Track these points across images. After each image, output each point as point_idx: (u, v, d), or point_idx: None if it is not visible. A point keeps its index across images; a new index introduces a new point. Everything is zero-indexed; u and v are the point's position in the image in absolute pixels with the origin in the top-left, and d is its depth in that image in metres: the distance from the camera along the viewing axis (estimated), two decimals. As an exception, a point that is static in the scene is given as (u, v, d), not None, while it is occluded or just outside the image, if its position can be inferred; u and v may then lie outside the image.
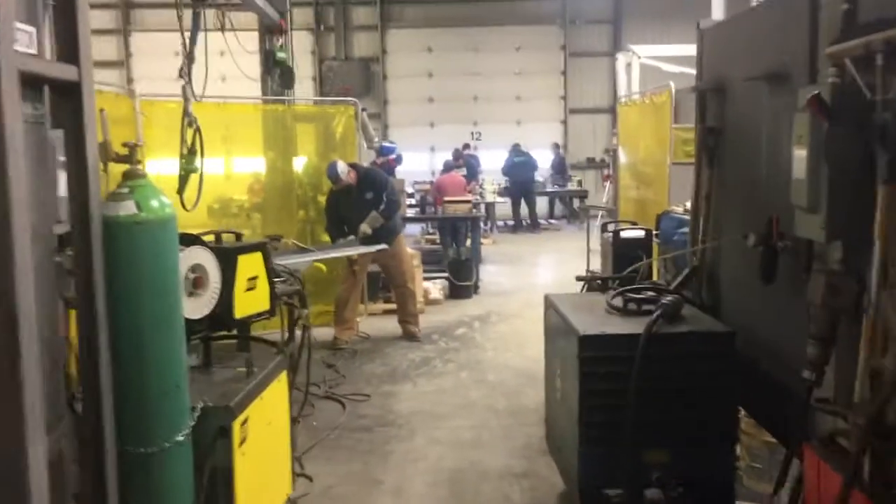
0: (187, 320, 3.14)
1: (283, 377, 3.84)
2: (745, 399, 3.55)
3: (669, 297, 3.63)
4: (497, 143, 19.85)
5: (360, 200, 7.20)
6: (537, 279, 11.63)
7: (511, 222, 18.39)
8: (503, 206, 17.63)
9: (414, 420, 5.59)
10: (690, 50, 12.58)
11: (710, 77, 4.34)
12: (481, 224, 11.25)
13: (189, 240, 3.40)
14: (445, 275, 10.12)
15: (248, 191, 8.88)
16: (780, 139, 3.37)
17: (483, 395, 6.08)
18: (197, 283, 3.39)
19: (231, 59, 9.20)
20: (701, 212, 4.32)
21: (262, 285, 3.85)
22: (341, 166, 7.15)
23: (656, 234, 5.55)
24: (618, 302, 3.81)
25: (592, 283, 4.89)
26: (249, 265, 3.76)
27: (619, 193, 9.49)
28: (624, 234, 5.40)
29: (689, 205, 5.58)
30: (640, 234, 5.46)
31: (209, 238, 3.73)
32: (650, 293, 3.89)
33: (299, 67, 17.92)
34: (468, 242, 12.14)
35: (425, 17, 20.10)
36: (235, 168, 8.91)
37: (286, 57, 9.79)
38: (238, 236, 3.95)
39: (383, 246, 7.12)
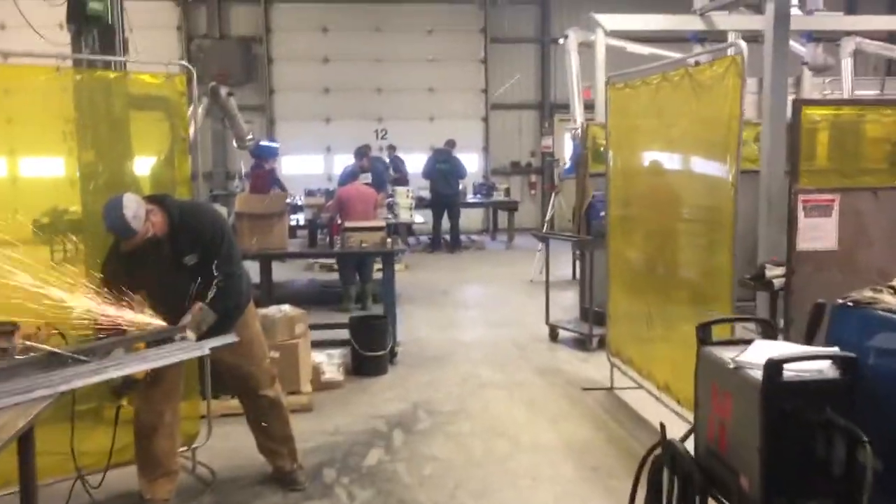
0: None
1: None
2: None
3: None
4: (406, 145, 16.49)
5: (174, 268, 3.83)
6: (476, 332, 8.33)
7: (424, 238, 15.11)
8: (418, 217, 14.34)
9: None
10: (673, 23, 9.67)
11: None
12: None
13: None
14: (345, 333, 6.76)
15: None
16: None
17: None
18: None
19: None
20: None
21: None
22: (131, 206, 3.60)
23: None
24: None
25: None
26: None
27: (604, 220, 6.35)
28: (791, 371, 2.16)
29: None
30: (825, 368, 2.20)
31: None
32: None
33: (160, 46, 14.13)
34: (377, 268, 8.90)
35: (319, -11, 16.62)
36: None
37: (102, 9, 6.26)
38: None
39: (228, 339, 3.67)
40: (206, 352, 3.51)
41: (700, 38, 9.29)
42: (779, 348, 2.40)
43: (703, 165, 4.71)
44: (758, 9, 11.03)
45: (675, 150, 5.12)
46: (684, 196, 4.99)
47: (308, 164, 16.71)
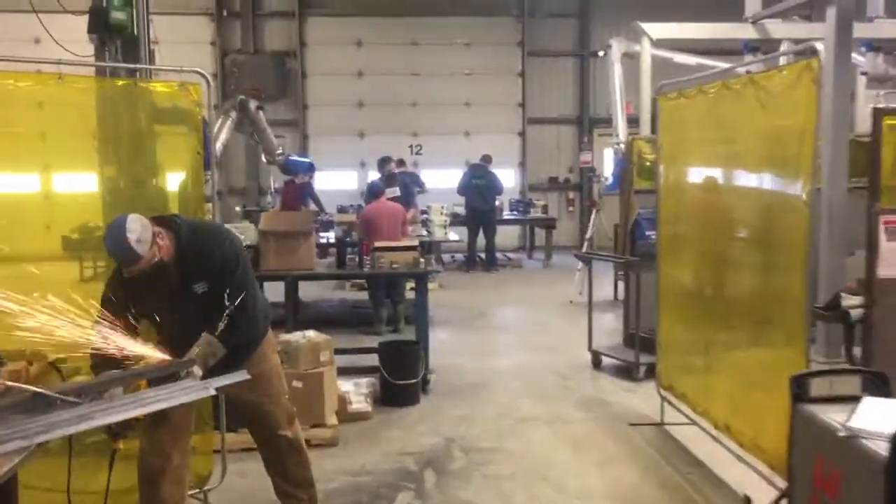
0: None
1: None
2: None
3: None
4: (441, 160, 16.19)
5: (182, 296, 3.46)
6: (514, 358, 7.85)
7: (458, 256, 14.68)
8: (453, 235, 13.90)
9: None
10: (724, 32, 9.15)
11: None
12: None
13: None
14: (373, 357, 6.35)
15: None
16: None
17: None
18: None
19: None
20: None
21: None
22: (135, 228, 3.19)
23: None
24: None
25: None
26: None
27: (658, 240, 5.86)
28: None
29: None
30: None
31: None
32: None
33: (194, 61, 13.66)
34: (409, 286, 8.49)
35: (354, 3, 16.31)
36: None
37: (126, 19, 5.98)
38: None
39: (239, 377, 3.28)
40: (213, 392, 3.10)
41: (752, 46, 8.79)
42: (899, 410, 1.94)
43: (769, 182, 4.22)
44: (808, 17, 10.51)
45: (737, 165, 4.64)
46: (747, 215, 4.50)
47: (342, 180, 16.41)
